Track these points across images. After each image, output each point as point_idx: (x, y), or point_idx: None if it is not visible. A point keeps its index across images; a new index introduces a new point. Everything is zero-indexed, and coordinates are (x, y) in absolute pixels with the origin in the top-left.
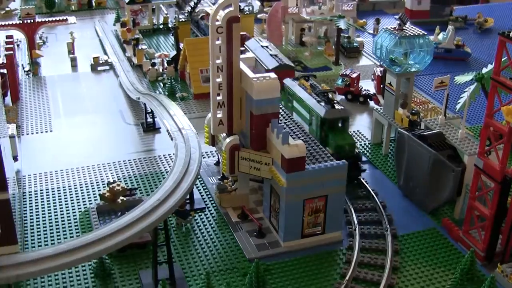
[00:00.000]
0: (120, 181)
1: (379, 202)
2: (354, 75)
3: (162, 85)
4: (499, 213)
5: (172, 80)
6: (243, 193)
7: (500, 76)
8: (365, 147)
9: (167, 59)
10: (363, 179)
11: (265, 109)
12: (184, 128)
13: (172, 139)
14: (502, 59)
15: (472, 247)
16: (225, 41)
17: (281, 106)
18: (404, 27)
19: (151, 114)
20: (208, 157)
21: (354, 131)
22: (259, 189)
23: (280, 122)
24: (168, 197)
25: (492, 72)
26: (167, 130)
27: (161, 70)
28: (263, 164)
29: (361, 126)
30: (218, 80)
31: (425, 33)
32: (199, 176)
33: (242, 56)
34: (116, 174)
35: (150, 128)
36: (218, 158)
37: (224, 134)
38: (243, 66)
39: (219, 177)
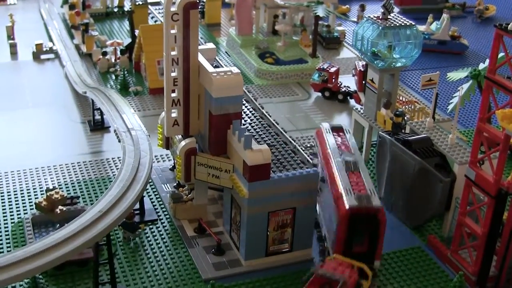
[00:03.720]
0: (60, 188)
1: None
2: (332, 70)
3: (114, 77)
4: (492, 231)
5: (126, 72)
6: (201, 204)
7: (495, 74)
8: None
9: (121, 47)
10: None
11: (226, 108)
12: (134, 128)
13: (119, 141)
14: (499, 55)
15: (462, 269)
16: (181, 30)
17: (247, 106)
18: (389, 16)
19: (99, 111)
20: (164, 161)
21: None
22: (219, 199)
23: (244, 124)
24: (112, 208)
25: (487, 70)
26: (115, 130)
27: (113, 61)
28: (223, 172)
29: None
30: (173, 74)
31: (413, 23)
32: (151, 184)
33: (201, 47)
34: (57, 180)
35: (98, 126)
36: (173, 163)
37: (180, 136)
38: (201, 59)
39: (174, 184)
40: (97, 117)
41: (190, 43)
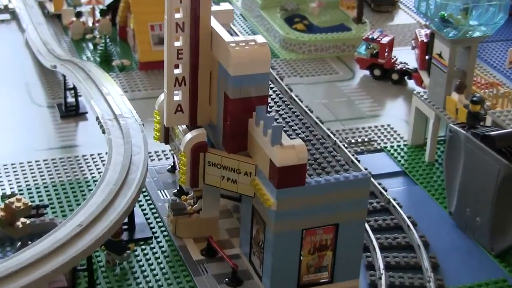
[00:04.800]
0: (22, 194)
1: (418, 236)
2: (384, 40)
3: (92, 46)
4: None
5: (108, 41)
6: (210, 217)
7: None
8: (399, 150)
9: (101, 7)
10: (394, 200)
11: (247, 90)
12: (123, 115)
13: (104, 132)
14: None
15: None
16: None
17: (274, 88)
18: None
19: (73, 92)
20: (159, 159)
21: (382, 126)
22: (236, 211)
23: (270, 110)
24: (95, 222)
25: None
26: (97, 118)
27: (90, 24)
28: (241, 174)
29: (393, 118)
30: (177, 44)
31: None
32: (143, 190)
33: (214, 8)
34: (17, 183)
35: (71, 112)
36: (173, 162)
37: (184, 127)
38: (215, 24)
39: (175, 191)
40: (70, 99)
41: (200, 2)
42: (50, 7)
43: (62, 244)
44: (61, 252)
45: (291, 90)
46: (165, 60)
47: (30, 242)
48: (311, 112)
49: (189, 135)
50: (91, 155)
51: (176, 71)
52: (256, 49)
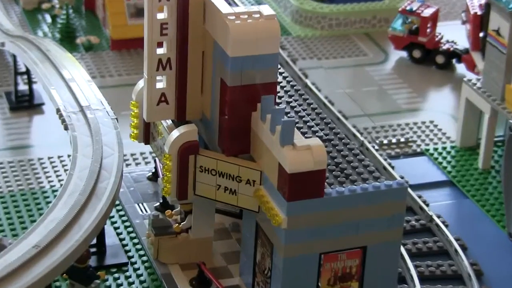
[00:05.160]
0: None
1: (468, 264)
2: (427, 13)
3: (50, 19)
4: None
5: (70, 11)
6: (203, 238)
7: None
8: (445, 154)
9: None
10: (439, 217)
11: (250, 76)
12: (91, 107)
13: (66, 129)
14: None
15: None
16: None
17: (284, 73)
18: None
19: (26, 77)
20: (137, 164)
21: (424, 123)
22: (234, 230)
23: (279, 102)
24: (55, 242)
25: None
26: (58, 110)
27: None
28: (243, 183)
29: (437, 113)
30: (160, 16)
31: None
32: (117, 202)
33: None
34: None
35: (23, 103)
36: (155, 168)
37: (170, 122)
38: None
39: (157, 204)
40: (22, 86)
41: None
42: None
43: (13, 270)
44: (11, 281)
45: (306, 76)
46: (145, 37)
47: None
48: (332, 104)
49: (175, 133)
50: (49, 158)
51: (159, 51)
52: (261, 23)
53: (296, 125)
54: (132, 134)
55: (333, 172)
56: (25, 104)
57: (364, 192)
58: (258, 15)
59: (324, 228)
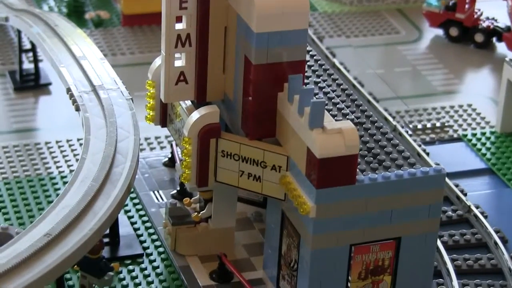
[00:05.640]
0: None
1: (509, 257)
2: None
3: None
4: None
5: None
6: (224, 228)
7: None
8: (484, 140)
9: None
10: (477, 208)
11: (277, 53)
12: (104, 86)
13: (78, 109)
14: None
15: None
16: None
17: (311, 51)
18: None
19: (31, 55)
20: (152, 148)
21: (461, 107)
22: (258, 220)
23: (307, 82)
24: (67, 231)
25: None
26: (68, 90)
27: None
28: (268, 169)
29: (476, 95)
30: None
31: None
32: (131, 190)
33: None
34: None
35: (29, 83)
36: (171, 153)
37: (189, 103)
38: None
39: (174, 192)
40: (28, 65)
41: None
42: None
43: (23, 259)
44: (22, 271)
45: (334, 56)
46: (163, 11)
47: None
48: (362, 86)
49: (196, 114)
50: (57, 141)
51: (178, 26)
52: None
53: (326, 107)
54: (148, 116)
55: (365, 158)
56: (31, 84)
57: (399, 179)
58: None
59: (355, 218)
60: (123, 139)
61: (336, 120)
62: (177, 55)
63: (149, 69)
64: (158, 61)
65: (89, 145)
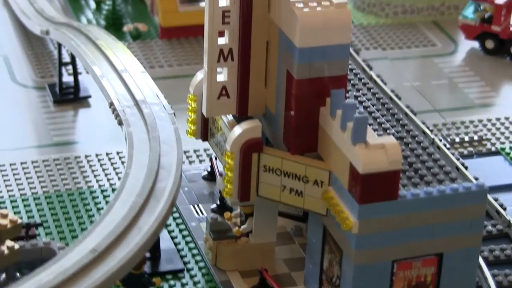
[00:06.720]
0: (6, 208)
1: None
2: (501, 0)
3: (94, 5)
4: None
5: None
6: (265, 243)
7: None
8: None
9: None
10: None
11: (319, 68)
12: (146, 100)
13: (120, 124)
14: None
15: None
16: None
17: (353, 67)
18: None
19: (71, 68)
20: (191, 162)
21: (498, 120)
22: (298, 234)
23: (348, 96)
24: (113, 247)
25: None
26: (111, 104)
27: None
28: (310, 184)
29: None
30: (222, 3)
31: None
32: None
33: None
34: None
35: (68, 96)
36: (211, 166)
37: (231, 117)
38: None
39: (214, 206)
40: (67, 78)
41: None
42: None
43: (70, 276)
44: None
45: (371, 68)
46: (206, 26)
47: (18, 275)
48: (399, 98)
49: (238, 129)
50: (97, 155)
51: (221, 41)
52: (332, 11)
53: (370, 122)
54: (189, 130)
55: (406, 173)
56: (70, 96)
57: (441, 195)
58: (328, 3)
59: (398, 233)
60: (166, 153)
61: (377, 135)
62: (219, 69)
63: (190, 83)
64: (199, 75)
65: (132, 160)
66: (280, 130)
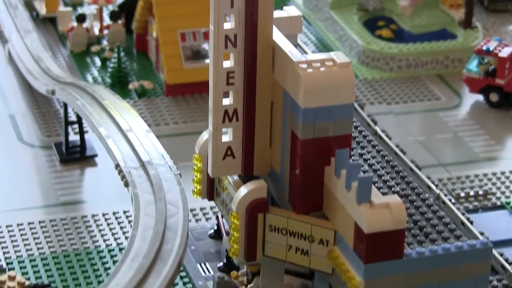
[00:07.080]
0: (13, 269)
1: None
2: (505, 53)
3: (99, 62)
4: None
5: (121, 53)
6: None
7: None
8: None
9: (111, 7)
10: None
11: (324, 128)
12: (152, 161)
13: (127, 185)
14: None
15: None
16: None
17: (357, 124)
18: None
19: (77, 127)
20: (197, 220)
21: (503, 174)
22: None
23: (352, 154)
24: None
25: None
26: (117, 166)
27: (97, 32)
28: (315, 243)
29: None
30: (227, 64)
31: None
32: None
33: (278, 14)
34: (5, 254)
35: (74, 155)
36: (217, 225)
37: (236, 177)
38: (278, 37)
39: (220, 264)
40: (73, 137)
41: (259, 6)
42: (41, 8)
43: None
44: None
45: (376, 123)
46: (210, 87)
47: None
48: (404, 153)
49: (243, 190)
50: (103, 214)
51: (225, 102)
52: (335, 71)
53: (374, 181)
54: (195, 190)
55: (411, 231)
56: (77, 155)
57: (446, 253)
58: (331, 63)
59: None
60: (173, 215)
61: (382, 193)
62: (224, 130)
63: (196, 142)
64: (205, 135)
65: (139, 221)
66: (285, 190)
